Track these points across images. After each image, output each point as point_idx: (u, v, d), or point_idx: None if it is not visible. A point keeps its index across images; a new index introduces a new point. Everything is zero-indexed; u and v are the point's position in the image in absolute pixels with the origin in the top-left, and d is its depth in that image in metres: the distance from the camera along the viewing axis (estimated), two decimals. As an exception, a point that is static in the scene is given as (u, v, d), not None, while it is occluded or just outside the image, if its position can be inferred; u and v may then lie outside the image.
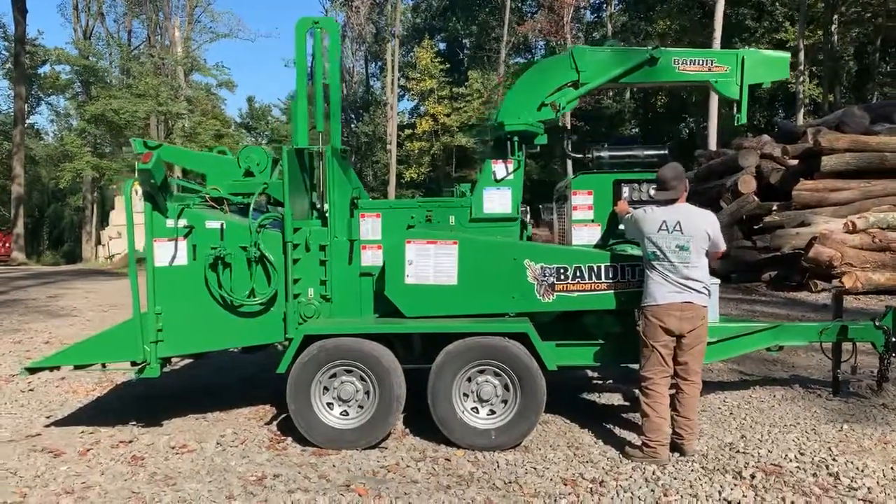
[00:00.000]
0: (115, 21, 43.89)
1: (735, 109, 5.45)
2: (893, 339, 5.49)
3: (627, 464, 4.49)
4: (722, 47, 25.00)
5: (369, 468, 4.47)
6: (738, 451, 4.67)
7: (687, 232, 4.47)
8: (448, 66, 48.19)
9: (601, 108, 44.17)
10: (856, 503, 3.87)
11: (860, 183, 14.48)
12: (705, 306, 4.53)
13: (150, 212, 4.84)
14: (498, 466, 4.49)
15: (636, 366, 4.79)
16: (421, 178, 46.99)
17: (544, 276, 4.87)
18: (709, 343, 4.86)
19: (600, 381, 6.67)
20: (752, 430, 5.11)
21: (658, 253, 4.49)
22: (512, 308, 4.92)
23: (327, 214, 5.57)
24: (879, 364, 5.68)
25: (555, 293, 4.88)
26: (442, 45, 51.85)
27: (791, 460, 4.50)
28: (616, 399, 6.10)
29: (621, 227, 5.14)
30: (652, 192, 4.73)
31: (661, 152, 5.58)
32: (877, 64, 37.80)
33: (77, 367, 5.05)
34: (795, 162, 15.56)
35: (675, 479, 4.23)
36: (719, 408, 5.68)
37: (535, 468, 4.45)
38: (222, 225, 4.98)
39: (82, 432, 5.32)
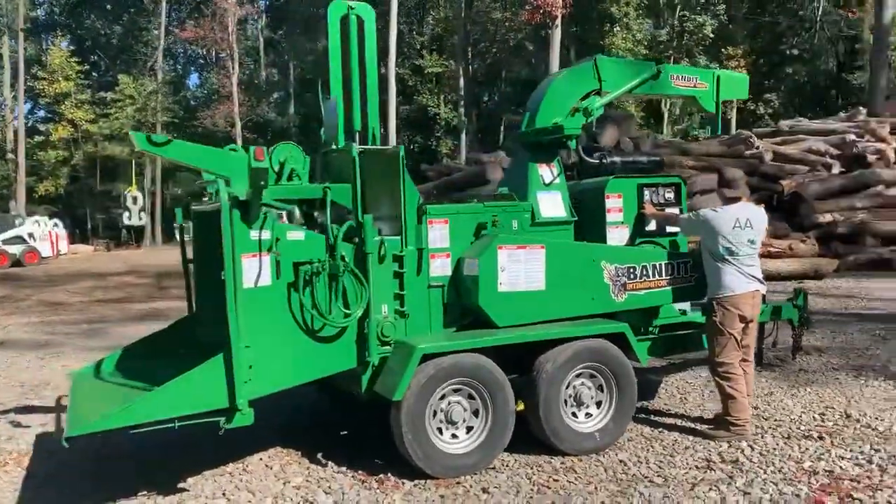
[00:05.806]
0: None
1: (704, 123, 6.19)
2: (805, 315, 6.69)
3: (721, 442, 4.85)
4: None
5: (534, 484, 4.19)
6: (776, 420, 5.33)
7: (755, 227, 5.00)
8: (87, 67, 44.11)
9: (269, 122, 44.57)
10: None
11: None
12: (765, 294, 5.13)
13: (239, 222, 3.88)
14: (626, 465, 4.53)
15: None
16: (59, 191, 42.57)
17: (618, 276, 5.01)
18: (702, 335, 5.46)
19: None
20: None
21: (732, 248, 4.94)
22: (591, 309, 4.96)
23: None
24: (794, 337, 6.85)
25: (626, 292, 5.06)
26: (66, 44, 46.32)
27: (836, 423, 5.26)
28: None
29: (647, 227, 5.51)
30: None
31: (657, 159, 6.11)
32: (503, 91, 45.82)
33: (134, 428, 3.77)
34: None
35: (783, 448, 4.71)
36: (693, 388, 6.33)
37: (660, 460, 4.58)
38: (306, 236, 4.20)
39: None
